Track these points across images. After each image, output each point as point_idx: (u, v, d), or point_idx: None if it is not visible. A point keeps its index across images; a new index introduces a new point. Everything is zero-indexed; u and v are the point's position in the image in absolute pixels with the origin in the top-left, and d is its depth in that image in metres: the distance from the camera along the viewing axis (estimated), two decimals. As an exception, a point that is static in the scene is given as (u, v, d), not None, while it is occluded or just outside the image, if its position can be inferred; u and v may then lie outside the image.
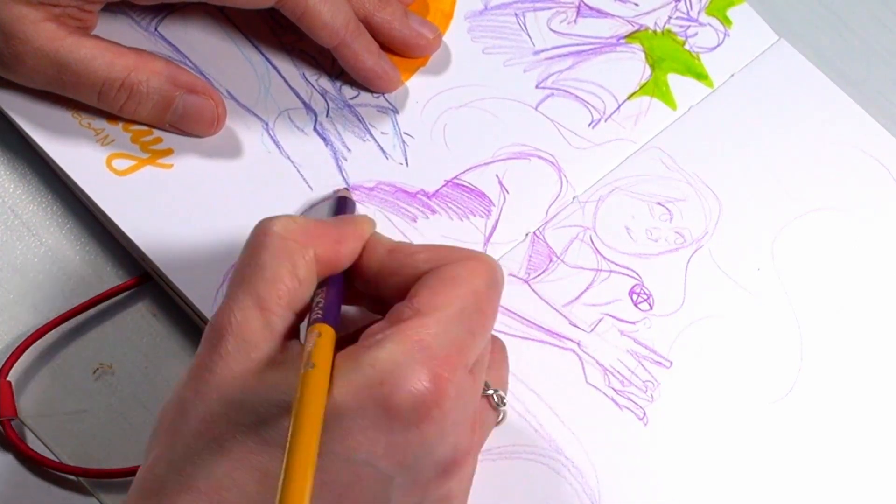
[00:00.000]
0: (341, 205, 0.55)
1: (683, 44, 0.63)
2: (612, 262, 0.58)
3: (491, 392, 0.49)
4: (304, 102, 0.60)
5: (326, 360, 0.42)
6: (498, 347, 0.50)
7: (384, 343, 0.42)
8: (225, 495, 0.42)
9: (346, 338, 0.45)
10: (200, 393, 0.43)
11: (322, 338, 0.43)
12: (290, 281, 0.44)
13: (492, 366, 0.49)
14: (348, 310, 0.50)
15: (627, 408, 0.55)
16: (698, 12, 0.63)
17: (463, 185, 0.58)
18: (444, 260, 0.45)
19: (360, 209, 0.57)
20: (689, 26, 0.63)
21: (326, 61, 0.60)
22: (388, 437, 0.42)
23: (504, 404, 0.50)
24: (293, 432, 0.39)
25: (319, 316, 0.44)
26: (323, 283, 0.46)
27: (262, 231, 0.46)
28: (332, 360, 0.42)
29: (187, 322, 0.56)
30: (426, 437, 0.42)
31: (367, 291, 0.48)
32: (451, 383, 0.42)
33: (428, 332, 0.43)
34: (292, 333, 0.45)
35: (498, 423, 0.52)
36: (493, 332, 0.55)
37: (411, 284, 0.45)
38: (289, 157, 0.58)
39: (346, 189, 0.57)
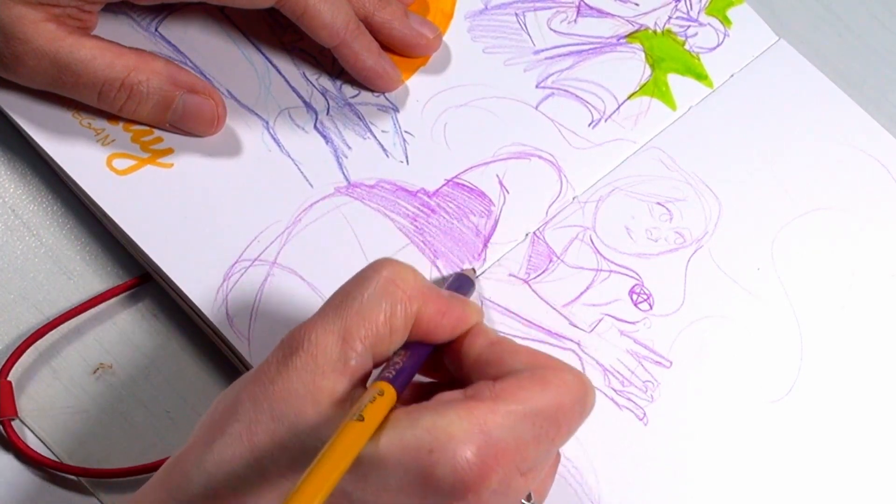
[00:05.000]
0: (461, 282, 0.54)
1: (683, 44, 0.63)
2: (612, 262, 0.58)
3: (529, 503, 0.47)
4: (304, 101, 0.60)
5: (375, 419, 0.41)
6: (553, 461, 0.49)
7: (448, 412, 0.41)
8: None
9: (405, 405, 0.44)
10: (256, 399, 0.42)
11: (382, 398, 0.42)
12: (383, 326, 0.44)
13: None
14: (421, 381, 0.49)
15: (627, 408, 0.55)
16: (698, 12, 0.63)
17: (463, 185, 0.58)
18: (544, 365, 0.44)
19: (360, 207, 0.57)
20: (689, 26, 0.63)
21: (327, 60, 0.60)
22: (419, 503, 0.41)
23: None
24: (309, 473, 0.38)
25: (390, 375, 0.43)
26: (408, 347, 0.45)
27: (374, 267, 0.45)
28: (380, 422, 0.41)
29: (187, 322, 0.57)
30: None
31: (455, 373, 0.47)
32: (496, 474, 0.41)
33: (495, 419, 0.42)
34: (363, 378, 0.44)
35: None
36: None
37: (502, 377, 0.44)
38: (289, 156, 0.58)
39: (472, 269, 0.56)
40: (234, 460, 0.42)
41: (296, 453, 0.41)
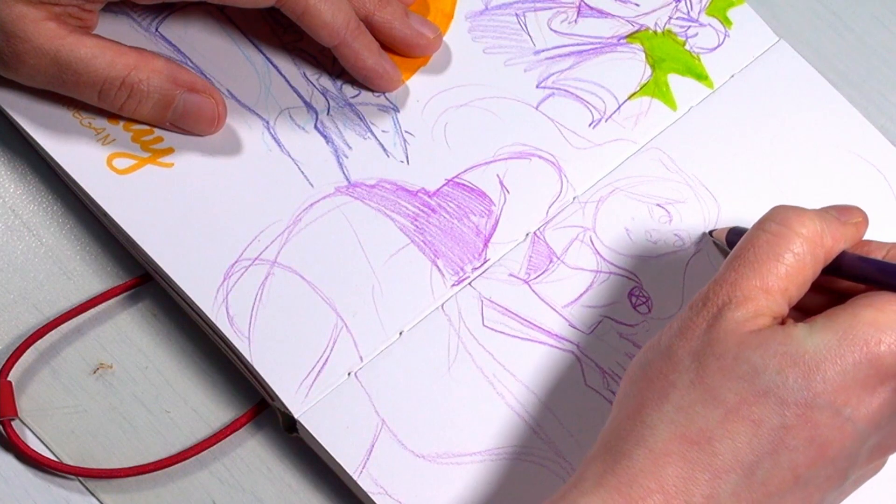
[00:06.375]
0: None
1: (684, 44, 0.63)
2: (612, 263, 0.58)
3: None
4: (304, 101, 0.60)
5: None
6: None
7: (886, 308, 0.45)
8: (717, 446, 0.44)
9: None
10: (692, 346, 0.46)
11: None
12: (804, 285, 0.48)
13: None
14: None
15: (626, 409, 0.55)
16: (698, 13, 0.63)
17: (464, 185, 0.58)
18: None
19: (361, 206, 0.57)
20: (689, 27, 0.63)
21: (327, 60, 0.60)
22: (871, 397, 0.45)
23: None
24: None
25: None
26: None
27: (787, 226, 0.48)
28: None
29: (187, 322, 0.57)
30: None
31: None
32: None
33: None
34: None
35: None
36: (497, 333, 0.56)
37: None
38: (290, 155, 0.58)
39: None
40: (695, 405, 0.45)
41: (749, 376, 0.45)
